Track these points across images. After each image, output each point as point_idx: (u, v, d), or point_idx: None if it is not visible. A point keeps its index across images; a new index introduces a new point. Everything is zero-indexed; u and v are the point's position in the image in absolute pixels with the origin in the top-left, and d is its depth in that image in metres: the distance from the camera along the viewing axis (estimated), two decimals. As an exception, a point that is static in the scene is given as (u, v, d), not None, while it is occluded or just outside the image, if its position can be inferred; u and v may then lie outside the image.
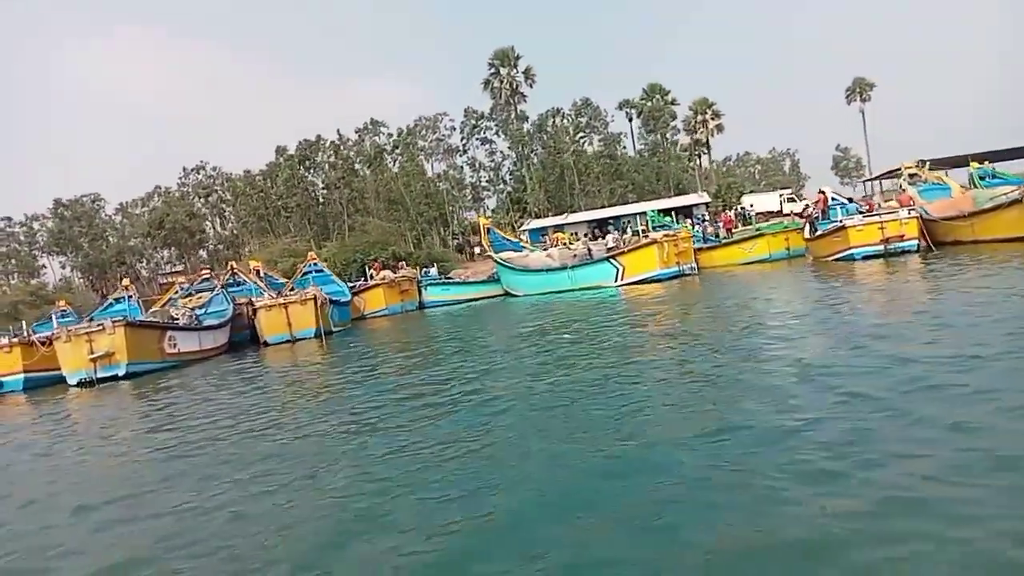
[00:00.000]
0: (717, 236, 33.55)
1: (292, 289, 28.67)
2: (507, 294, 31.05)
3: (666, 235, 26.84)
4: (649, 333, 12.98)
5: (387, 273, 31.93)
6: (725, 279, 23.10)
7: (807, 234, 25.81)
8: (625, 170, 52.85)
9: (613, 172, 52.22)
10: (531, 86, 51.37)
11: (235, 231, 53.01)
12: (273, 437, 8.23)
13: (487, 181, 57.32)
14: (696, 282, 24.13)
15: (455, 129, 56.61)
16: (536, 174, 50.14)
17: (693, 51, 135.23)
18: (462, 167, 57.49)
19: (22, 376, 18.66)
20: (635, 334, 13.11)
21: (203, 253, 54.82)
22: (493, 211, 57.82)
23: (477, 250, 49.23)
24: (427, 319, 27.27)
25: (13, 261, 54.88)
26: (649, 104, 57.41)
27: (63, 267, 57.46)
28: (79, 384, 17.61)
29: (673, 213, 40.33)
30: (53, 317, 31.22)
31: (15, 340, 18.72)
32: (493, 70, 50.76)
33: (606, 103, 60.82)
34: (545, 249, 32.31)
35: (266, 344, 22.44)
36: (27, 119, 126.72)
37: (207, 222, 54.71)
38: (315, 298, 22.69)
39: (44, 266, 57.39)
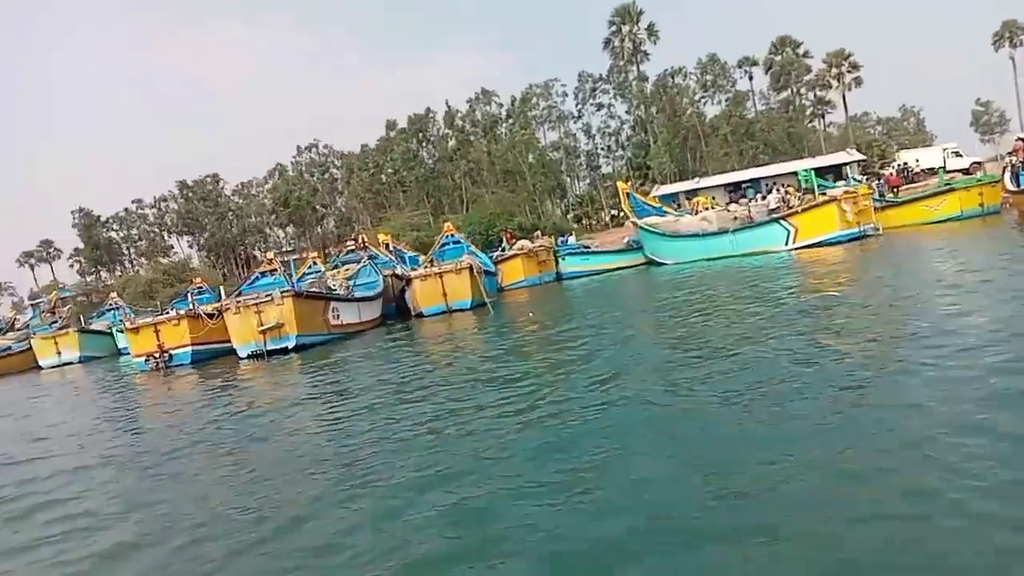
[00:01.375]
0: (883, 196, 30.24)
1: (432, 261, 27.83)
2: (650, 262, 29.02)
3: (846, 192, 24.04)
4: (844, 307, 10.52)
5: (524, 243, 30.48)
6: (914, 241, 20.23)
7: (1010, 186, 22.41)
8: (757, 129, 49.14)
9: (744, 132, 48.66)
10: (655, 43, 48.45)
11: (351, 207, 53.04)
12: (462, 414, 7.55)
13: (603, 148, 54.88)
14: (880, 244, 21.36)
15: (567, 95, 54.53)
16: (662, 137, 47.30)
17: (808, 7, 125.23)
18: (575, 134, 55.38)
19: (190, 349, 18.22)
20: (825, 308, 10.72)
21: (318, 230, 55.37)
22: (603, 178, 55.66)
23: (610, 216, 47.27)
24: (570, 291, 25.61)
25: (144, 242, 57.26)
26: (779, 58, 53.27)
27: (190, 246, 59.69)
28: (249, 357, 16.96)
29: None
30: (190, 295, 31.76)
31: (183, 313, 18.28)
32: (614, 28, 48.07)
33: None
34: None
35: (420, 316, 21.39)
36: (141, 106, 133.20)
37: (330, 197, 55.02)
38: (471, 267, 21.44)
39: (172, 246, 59.75)
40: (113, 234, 57.66)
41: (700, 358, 8.35)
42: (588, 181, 52.76)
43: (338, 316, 18.66)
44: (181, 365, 18.24)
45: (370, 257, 24.74)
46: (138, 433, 10.12)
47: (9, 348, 33.10)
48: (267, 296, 16.91)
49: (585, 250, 32.19)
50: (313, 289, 18.49)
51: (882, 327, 8.37)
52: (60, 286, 71.82)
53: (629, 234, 36.57)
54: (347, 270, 24.06)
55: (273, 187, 55.86)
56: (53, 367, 28.79)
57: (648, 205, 31.22)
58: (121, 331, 23.64)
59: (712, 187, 43.26)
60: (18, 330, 39.80)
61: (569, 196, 51.07)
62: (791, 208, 24.69)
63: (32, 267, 78.41)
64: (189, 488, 6.55)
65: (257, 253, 64.30)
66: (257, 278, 25.77)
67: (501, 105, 55.98)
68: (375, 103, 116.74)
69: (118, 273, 58.27)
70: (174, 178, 64.83)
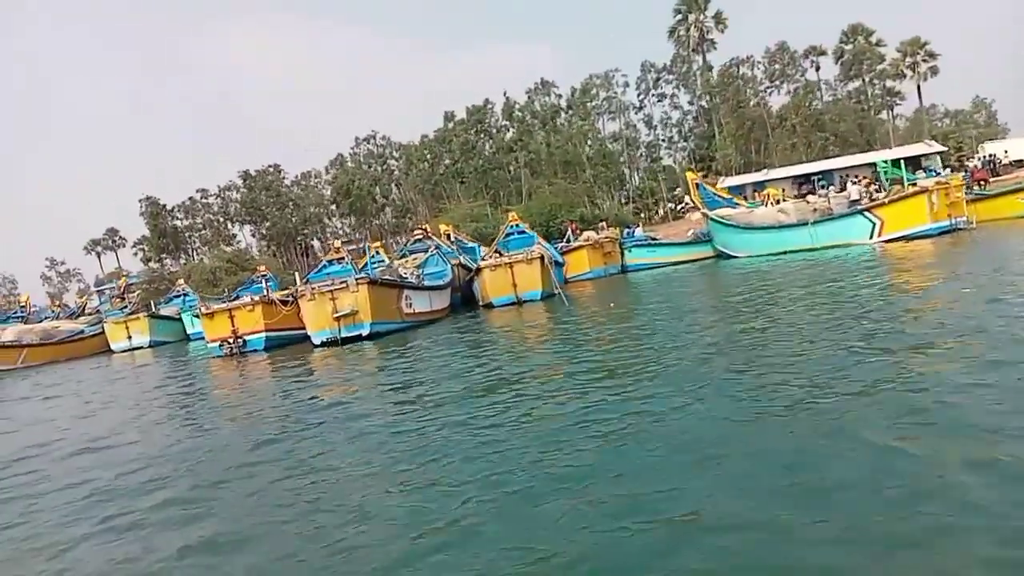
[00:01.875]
0: (970, 188, 28.65)
1: (497, 251, 27.47)
2: (720, 255, 28.09)
3: (937, 183, 22.75)
4: (937, 311, 9.40)
5: (590, 234, 29.85)
6: (1009, 235, 18.95)
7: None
8: (828, 120, 47.34)
9: (813, 123, 46.93)
10: (722, 31, 47.06)
11: (409, 198, 53.19)
12: (547, 408, 7.15)
13: (664, 139, 53.79)
14: (974, 238, 20.09)
15: (628, 85, 53.50)
16: (727, 128, 45.98)
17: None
18: (635, 125, 54.37)
19: (263, 335, 18.18)
20: (917, 310, 9.72)
21: (376, 221, 55.66)
22: (664, 170, 54.54)
23: (682, 206, 46.13)
24: (637, 283, 24.92)
25: (208, 231, 58.56)
26: (850, 47, 51.23)
27: (253, 235, 60.77)
28: (323, 344, 16.81)
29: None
30: (263, 282, 32.01)
31: (257, 299, 18.27)
32: (679, 16, 46.91)
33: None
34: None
35: (490, 306, 21.01)
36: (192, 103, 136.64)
37: (388, 188, 55.25)
38: (542, 257, 20.95)
39: (235, 235, 60.95)
40: (178, 222, 59.12)
41: (785, 361, 7.65)
42: (647, 173, 51.62)
43: (411, 304, 18.41)
44: (255, 351, 18.23)
45: (437, 246, 24.46)
46: (220, 420, 9.90)
47: (82, 331, 33.99)
48: (342, 283, 16.72)
49: (652, 242, 31.34)
50: (387, 277, 18.23)
51: (981, 338, 7.29)
52: (126, 273, 74.36)
53: (694, 227, 35.69)
54: (415, 259, 23.84)
55: (334, 177, 56.33)
56: (124, 351, 29.42)
57: (718, 196, 30.21)
58: (196, 316, 23.87)
59: (780, 179, 41.91)
60: (89, 314, 41.06)
61: (628, 188, 50.13)
62: (876, 199, 23.48)
63: (98, 255, 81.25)
64: (270, 479, 6.25)
65: (315, 243, 65.21)
66: (325, 266, 25.89)
67: (560, 96, 55.44)
68: (427, 95, 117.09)
69: (182, 261, 59.75)
70: (237, 168, 66.39)
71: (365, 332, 16.66)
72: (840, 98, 52.02)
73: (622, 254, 30.34)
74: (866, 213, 23.00)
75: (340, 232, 60.11)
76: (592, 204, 43.23)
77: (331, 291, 16.65)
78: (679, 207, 48.90)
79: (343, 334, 16.54)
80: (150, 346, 29.32)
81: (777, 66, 50.38)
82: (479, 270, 21.30)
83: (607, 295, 21.46)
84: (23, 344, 29.93)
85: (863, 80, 51.82)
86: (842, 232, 23.35)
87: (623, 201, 49.77)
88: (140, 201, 57.12)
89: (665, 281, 24.14)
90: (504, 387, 8.58)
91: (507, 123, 54.69)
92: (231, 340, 18.09)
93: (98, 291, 67.21)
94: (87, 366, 25.54)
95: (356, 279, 16.66)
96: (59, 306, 55.10)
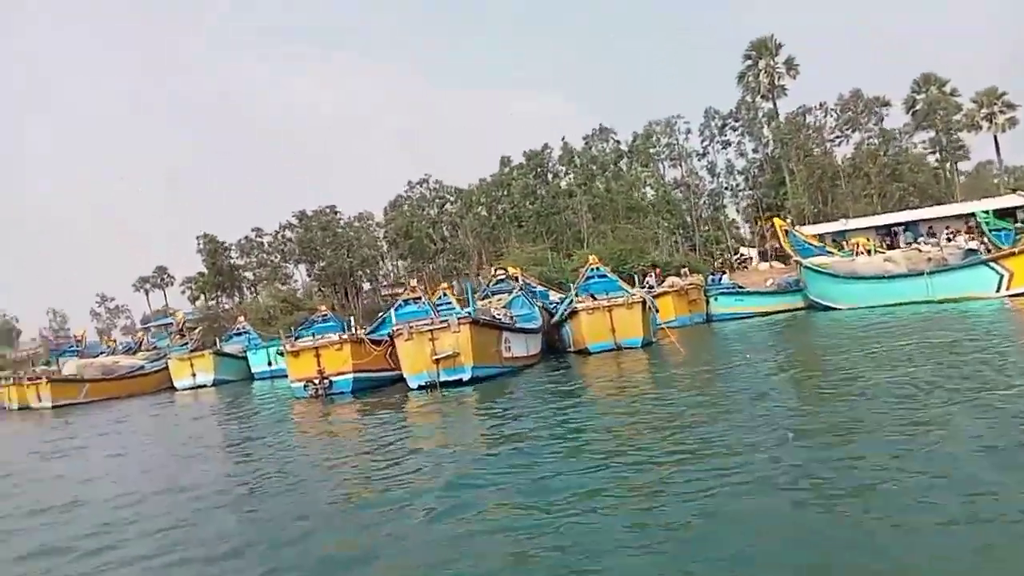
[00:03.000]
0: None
1: (577, 295, 26.21)
2: (812, 307, 26.34)
3: (1073, 232, 20.97)
4: None
5: (675, 280, 28.37)
6: None
7: None
8: (907, 170, 45.58)
9: (890, 173, 45.21)
10: (794, 77, 45.95)
11: (467, 242, 52.47)
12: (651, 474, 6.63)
13: (727, 187, 52.41)
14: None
15: (690, 132, 52.52)
16: (800, 175, 44.49)
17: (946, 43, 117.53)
18: (697, 173, 53.17)
19: (352, 376, 16.94)
20: None
21: (430, 265, 54.91)
22: (728, 221, 53.15)
23: (738, 256, 44.60)
24: (726, 334, 23.25)
25: (263, 269, 58.42)
26: (921, 96, 49.73)
27: (308, 275, 60.39)
28: (420, 388, 15.50)
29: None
30: (323, 322, 31.08)
31: (345, 337, 17.09)
32: (749, 62, 46.05)
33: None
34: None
35: (585, 352, 19.53)
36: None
37: (447, 231, 54.67)
38: (644, 302, 19.54)
39: (291, 275, 60.78)
40: (233, 260, 59.21)
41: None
42: (711, 221, 50.23)
43: (509, 348, 17.07)
44: (341, 393, 16.99)
45: (523, 287, 23.20)
46: (326, 474, 8.73)
47: (142, 367, 33.33)
48: (442, 323, 15.47)
49: (740, 290, 29.69)
50: (486, 317, 16.94)
51: None
52: (171, 312, 74.92)
53: (775, 276, 34.02)
54: (499, 300, 22.58)
55: (391, 218, 55.97)
56: (187, 389, 28.51)
57: (810, 244, 28.65)
58: (280, 353, 22.35)
59: (860, 229, 40.21)
60: (146, 350, 40.57)
61: (693, 236, 48.67)
62: (1001, 250, 21.68)
63: (147, 292, 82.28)
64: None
65: (366, 284, 64.72)
66: (400, 306, 24.79)
67: (619, 142, 54.74)
68: (464, 142, 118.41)
69: (236, 299, 59.71)
70: (289, 210, 67.00)
71: (466, 377, 15.32)
72: (907, 148, 50.15)
73: (707, 302, 28.80)
74: (992, 264, 21.19)
75: (394, 274, 59.67)
76: (657, 251, 41.89)
77: (431, 331, 15.41)
78: (735, 257, 47.32)
79: (442, 378, 15.23)
80: (213, 384, 28.36)
81: (849, 113, 48.99)
82: (573, 313, 19.89)
83: (707, 346, 19.93)
84: (85, 379, 29.24)
85: (936, 130, 50.12)
86: (964, 284, 21.50)
87: (686, 250, 48.26)
88: (198, 238, 57.49)
89: (757, 333, 22.45)
90: (620, 449, 7.78)
91: (564, 168, 54.08)
92: (317, 381, 16.87)
93: (144, 328, 67.59)
94: (150, 404, 24.60)
95: (458, 319, 15.39)
96: (112, 342, 55.15)
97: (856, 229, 40.16)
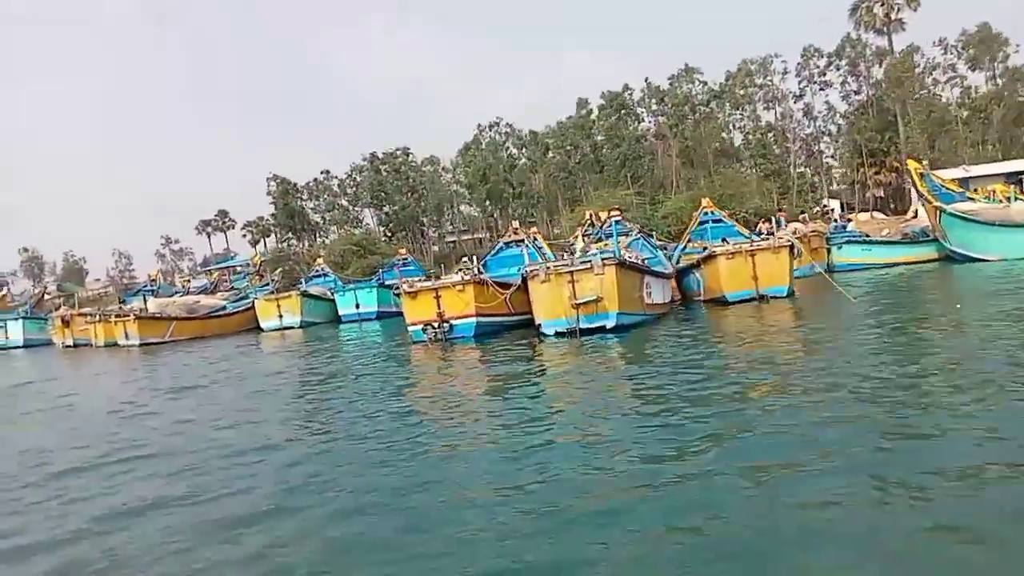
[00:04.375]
0: None
1: (690, 241, 24.17)
2: (950, 258, 23.79)
3: None
4: None
5: (797, 226, 26.02)
6: None
7: None
8: (1035, 113, 41.33)
9: (1015, 117, 41.00)
10: (915, 10, 41.68)
11: (544, 187, 50.25)
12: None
13: (825, 132, 48.69)
14: None
15: (787, 71, 48.70)
16: (917, 118, 40.72)
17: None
18: (792, 116, 49.45)
19: (475, 320, 15.40)
20: None
21: (508, 210, 52.79)
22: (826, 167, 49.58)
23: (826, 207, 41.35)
24: (857, 287, 20.95)
25: (336, 212, 57.51)
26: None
27: (375, 220, 59.22)
28: (557, 335, 13.85)
29: None
30: (403, 266, 29.75)
31: (467, 279, 15.49)
32: (865, -8, 42.00)
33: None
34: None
35: (721, 302, 17.58)
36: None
37: (529, 175, 52.44)
38: (791, 246, 17.41)
39: (361, 218, 59.75)
40: (304, 203, 58.40)
41: None
42: (811, 167, 46.84)
43: (650, 294, 15.24)
44: (462, 337, 15.49)
45: (640, 230, 21.23)
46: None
47: (224, 307, 32.73)
48: (584, 264, 13.70)
49: (867, 240, 27.09)
50: (631, 259, 15.11)
51: None
52: (231, 254, 75.43)
53: (905, 224, 31.16)
54: (606, 245, 20.61)
55: (468, 161, 53.94)
56: (274, 329, 27.66)
57: (950, 190, 25.78)
58: (395, 294, 20.57)
59: (984, 176, 36.68)
60: (225, 291, 40.23)
61: (791, 184, 45.38)
62: None
63: (208, 235, 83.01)
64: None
65: (432, 230, 63.43)
66: (502, 248, 23.17)
67: (704, 83, 51.26)
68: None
69: (306, 243, 59.17)
70: (349, 157, 66.32)
71: (610, 324, 13.54)
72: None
73: (827, 252, 26.34)
74: None
75: (466, 220, 58.13)
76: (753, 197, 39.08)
77: (571, 273, 13.65)
78: (816, 209, 43.94)
79: (583, 324, 13.52)
80: (300, 326, 27.43)
81: (971, 51, 44.44)
82: (709, 258, 17.86)
83: (828, 300, 17.72)
84: (171, 317, 28.65)
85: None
86: None
87: (781, 195, 45.11)
88: (268, 179, 56.79)
89: (893, 285, 20.16)
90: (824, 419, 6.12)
91: (647, 109, 51.04)
92: (436, 324, 15.38)
93: (206, 271, 68.13)
94: (241, 344, 23.71)
95: (603, 260, 13.56)
96: (186, 281, 55.41)
97: (979, 176, 36.67)
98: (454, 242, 64.65)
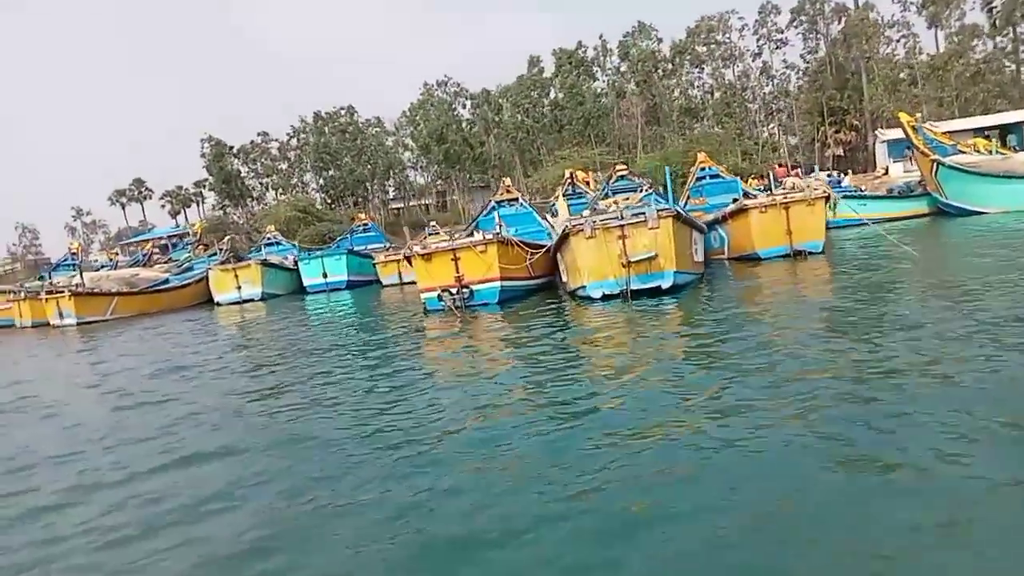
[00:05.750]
0: None
1: (690, 198, 22.82)
2: (944, 212, 23.51)
3: None
4: None
5: (795, 181, 24.91)
6: None
7: None
8: (989, 71, 41.71)
9: (972, 75, 41.32)
10: (879, -37, 41.24)
11: (501, 149, 47.89)
12: None
13: (784, 91, 48.14)
14: None
15: (745, 28, 47.79)
16: (881, 75, 40.47)
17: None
18: (749, 75, 48.71)
19: (499, 284, 13.52)
20: None
21: (463, 174, 50.12)
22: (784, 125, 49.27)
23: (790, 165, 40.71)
24: (862, 242, 20.12)
25: (273, 177, 53.53)
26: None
27: (324, 183, 55.34)
28: (604, 298, 12.13)
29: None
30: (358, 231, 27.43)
31: (490, 237, 13.54)
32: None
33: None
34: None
35: (753, 259, 16.26)
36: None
37: (487, 136, 49.81)
38: (828, 197, 16.20)
39: (306, 184, 55.76)
40: (240, 168, 54.09)
41: None
42: (776, 126, 46.38)
43: (697, 251, 13.74)
44: (484, 305, 13.61)
45: (652, 185, 19.62)
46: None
47: (167, 281, 29.61)
48: (637, 216, 11.98)
49: (862, 194, 26.43)
50: (684, 212, 13.48)
51: None
52: (147, 227, 70.31)
53: (880, 181, 30.86)
54: (626, 199, 18.97)
55: (417, 121, 50.78)
56: (232, 303, 24.97)
57: (942, 143, 25.25)
58: (406, 258, 18.38)
59: (953, 132, 36.81)
60: (168, 263, 36.76)
61: (758, 142, 44.70)
62: None
63: (123, 206, 77.29)
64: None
65: (375, 197, 60.37)
66: (493, 208, 21.24)
67: (660, 40, 49.90)
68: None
69: (241, 210, 54.98)
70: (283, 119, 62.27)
71: (666, 284, 11.89)
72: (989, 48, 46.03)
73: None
74: None
75: (415, 185, 55.25)
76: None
77: (621, 227, 11.91)
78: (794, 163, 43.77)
79: (634, 285, 11.85)
80: (262, 299, 24.85)
81: (931, 8, 44.46)
82: (739, 212, 16.44)
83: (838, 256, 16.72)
84: (113, 292, 25.51)
85: (1013, 30, 45.84)
86: None
87: (742, 156, 44.50)
88: (202, 141, 52.21)
89: (894, 241, 19.49)
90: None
91: (604, 69, 49.38)
92: (455, 291, 13.43)
93: (122, 244, 63.27)
94: (200, 320, 21.06)
95: (659, 212, 11.86)
96: (114, 254, 51.04)
97: (948, 132, 36.70)
98: (400, 208, 61.82)
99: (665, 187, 16.11)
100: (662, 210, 11.93)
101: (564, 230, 12.42)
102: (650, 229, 11.74)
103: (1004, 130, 36.03)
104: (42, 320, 24.52)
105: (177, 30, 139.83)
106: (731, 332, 8.32)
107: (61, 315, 23.84)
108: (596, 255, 12.01)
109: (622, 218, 11.93)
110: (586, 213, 13.95)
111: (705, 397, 5.73)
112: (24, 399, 10.11)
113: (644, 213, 11.84)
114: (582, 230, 12.02)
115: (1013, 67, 45.79)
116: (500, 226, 14.29)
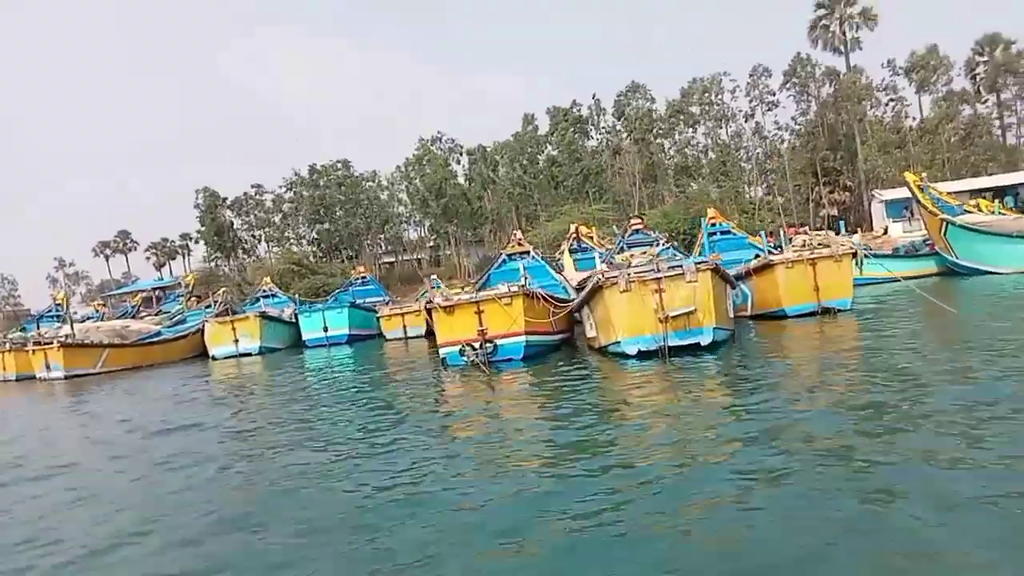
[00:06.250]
0: None
1: (701, 255, 22.51)
2: (954, 272, 23.36)
3: None
4: None
5: (805, 239, 24.78)
6: None
7: None
8: (979, 134, 42.66)
9: (962, 138, 42.23)
10: (871, 29, 42.40)
11: (498, 204, 47.85)
12: None
13: (777, 151, 48.87)
14: None
15: (738, 88, 48.81)
16: (877, 137, 41.19)
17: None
18: (741, 135, 49.54)
19: (523, 339, 12.92)
20: None
21: (460, 229, 49.81)
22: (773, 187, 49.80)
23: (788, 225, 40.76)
24: (879, 303, 19.83)
25: (267, 230, 53.12)
26: (984, 59, 46.74)
27: (317, 236, 54.93)
28: (640, 355, 11.54)
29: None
30: (356, 284, 26.82)
31: (515, 290, 13.00)
32: (824, 11, 42.28)
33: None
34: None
35: (783, 316, 15.79)
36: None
37: (484, 192, 49.78)
38: (855, 254, 15.92)
39: (301, 236, 55.26)
40: (233, 220, 53.67)
41: None
42: (768, 186, 46.85)
43: (730, 307, 13.27)
44: (508, 360, 12.96)
45: (668, 240, 19.31)
46: None
47: (159, 333, 28.73)
48: (674, 269, 11.52)
49: (878, 253, 26.27)
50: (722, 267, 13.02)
51: None
52: (132, 278, 69.28)
53: (881, 241, 30.84)
54: (643, 253, 18.60)
55: (413, 176, 50.81)
56: (228, 357, 24.11)
57: (948, 203, 25.32)
58: (427, 309, 17.91)
59: (950, 194, 37.19)
60: (158, 315, 35.86)
61: (754, 202, 45.07)
62: None
63: (107, 257, 76.50)
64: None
65: (367, 251, 59.96)
66: (505, 261, 20.85)
67: (652, 100, 50.80)
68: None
69: (231, 262, 54.25)
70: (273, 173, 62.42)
71: (706, 340, 11.36)
72: (976, 113, 47.27)
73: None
74: None
75: (420, 238, 54.97)
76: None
77: (657, 280, 11.42)
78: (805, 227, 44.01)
79: (672, 342, 11.29)
80: (260, 353, 24.03)
81: (923, 73, 45.65)
82: (765, 267, 16.08)
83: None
84: (103, 344, 24.58)
85: (997, 96, 47.20)
86: None
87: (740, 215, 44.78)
88: (197, 191, 51.78)
89: (910, 302, 19.17)
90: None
91: (598, 127, 50.04)
92: (477, 345, 12.80)
93: (106, 296, 62.16)
94: (196, 374, 20.18)
95: (697, 264, 11.43)
96: (102, 306, 49.88)
97: (953, 192, 37.16)
98: (392, 263, 61.38)
99: (691, 239, 15.73)
100: (700, 262, 11.49)
101: (596, 282, 11.89)
102: (688, 283, 11.27)
103: (997, 192, 36.57)
104: (27, 373, 23.56)
105: (168, 82, 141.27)
106: (784, 396, 7.66)
107: (48, 367, 22.88)
108: (631, 309, 11.48)
109: (658, 270, 11.45)
110: (602, 266, 13.51)
111: (770, 477, 5.04)
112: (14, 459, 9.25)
113: (681, 266, 11.38)
114: (616, 283, 11.50)
115: (1000, 131, 47.03)
116: (526, 278, 13.77)
